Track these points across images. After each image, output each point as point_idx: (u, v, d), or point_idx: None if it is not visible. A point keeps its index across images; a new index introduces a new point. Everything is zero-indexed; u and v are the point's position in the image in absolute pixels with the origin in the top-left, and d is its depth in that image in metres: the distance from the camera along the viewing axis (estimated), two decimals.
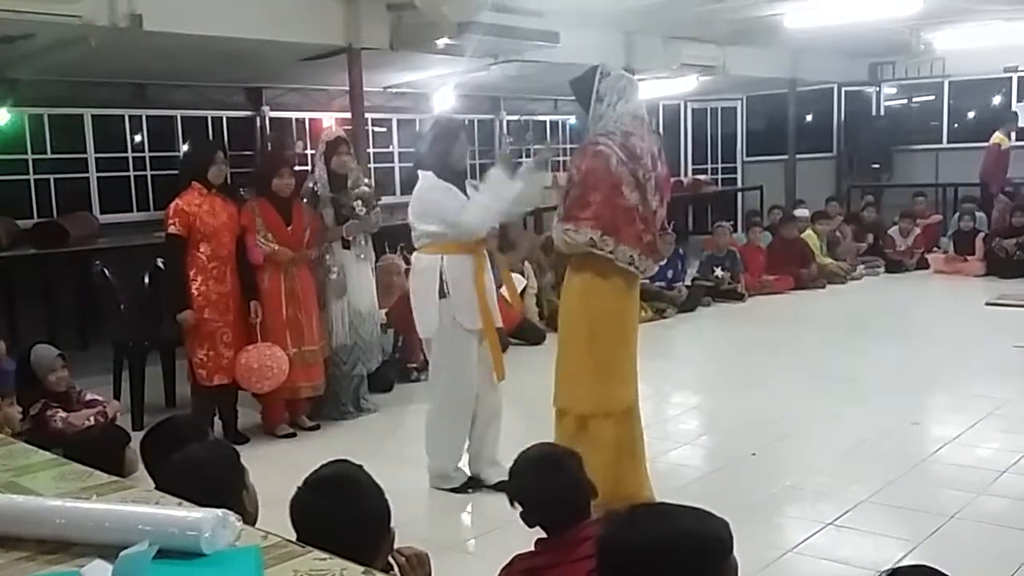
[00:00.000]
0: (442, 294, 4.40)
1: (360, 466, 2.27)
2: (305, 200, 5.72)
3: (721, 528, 1.76)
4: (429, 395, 4.72)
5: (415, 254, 4.63)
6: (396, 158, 12.32)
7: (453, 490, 4.54)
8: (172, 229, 5.28)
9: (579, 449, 2.87)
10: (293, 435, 5.59)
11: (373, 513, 2.17)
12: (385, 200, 7.05)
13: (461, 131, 4.80)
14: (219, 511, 1.52)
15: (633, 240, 3.84)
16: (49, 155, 9.14)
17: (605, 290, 3.92)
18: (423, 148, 4.81)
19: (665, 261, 9.37)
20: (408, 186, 12.58)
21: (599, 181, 3.81)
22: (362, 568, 1.46)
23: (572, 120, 13.57)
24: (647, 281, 9.16)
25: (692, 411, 6.17)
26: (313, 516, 2.11)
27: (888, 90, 14.87)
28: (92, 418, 4.76)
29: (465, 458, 4.65)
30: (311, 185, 5.80)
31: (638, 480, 4.01)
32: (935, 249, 11.81)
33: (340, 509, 2.12)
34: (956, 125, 14.22)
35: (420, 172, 4.57)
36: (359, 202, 5.67)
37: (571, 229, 3.85)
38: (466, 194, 4.50)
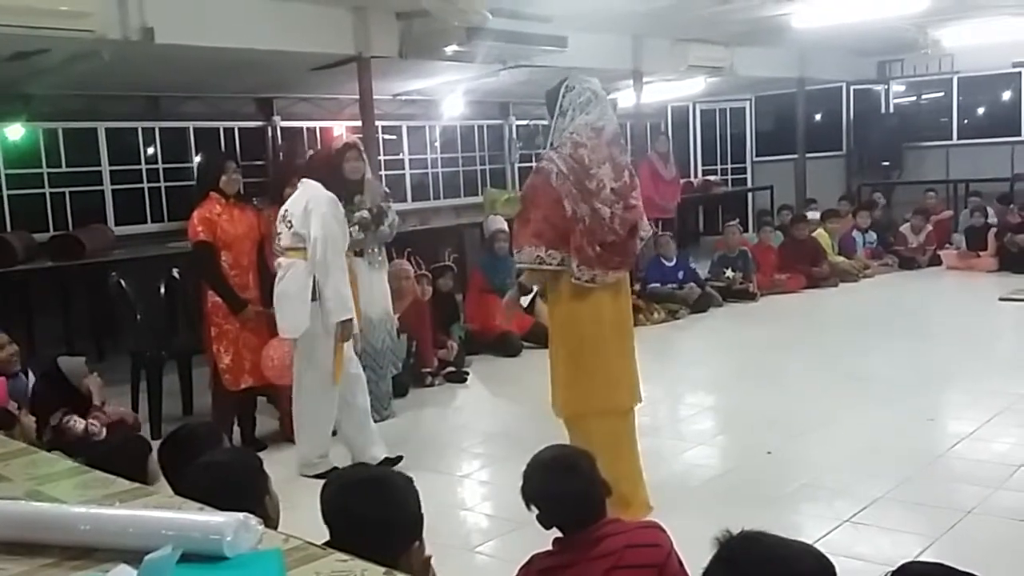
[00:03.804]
0: (314, 296, 4.73)
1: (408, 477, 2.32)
2: None
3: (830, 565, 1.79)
4: (296, 393, 4.95)
5: (280, 258, 4.89)
6: (407, 165, 12.37)
7: (318, 476, 4.63)
8: (202, 236, 5.31)
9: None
10: None
11: (406, 515, 2.21)
12: (395, 207, 7.06)
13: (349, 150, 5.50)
14: (240, 515, 1.55)
15: (572, 251, 3.88)
16: (64, 169, 9.20)
17: (564, 299, 4.00)
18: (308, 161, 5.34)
19: (674, 262, 9.43)
20: (418, 192, 12.74)
21: (539, 197, 3.91)
22: (383, 569, 1.49)
23: None
24: (658, 284, 9.28)
25: (707, 411, 6.17)
26: (348, 514, 2.16)
27: (897, 88, 14.83)
28: (105, 416, 4.83)
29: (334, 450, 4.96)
30: None
31: (632, 480, 4.05)
32: (947, 245, 11.79)
33: (376, 508, 2.16)
34: (966, 121, 14.18)
35: (304, 180, 4.96)
36: (356, 228, 5.68)
37: (517, 252, 3.99)
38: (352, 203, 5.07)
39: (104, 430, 4.78)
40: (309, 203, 4.79)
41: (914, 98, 14.88)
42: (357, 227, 5.68)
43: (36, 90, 8.08)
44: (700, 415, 6.03)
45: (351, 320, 4.79)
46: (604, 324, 4.03)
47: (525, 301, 4.59)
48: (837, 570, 1.74)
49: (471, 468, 5.11)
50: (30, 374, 5.24)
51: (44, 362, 5.13)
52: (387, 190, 6.36)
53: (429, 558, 2.26)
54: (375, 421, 5.88)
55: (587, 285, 3.92)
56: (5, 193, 8.80)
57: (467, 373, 7.15)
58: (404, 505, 2.22)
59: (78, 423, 4.71)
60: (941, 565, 1.65)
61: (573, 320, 4.02)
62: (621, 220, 3.92)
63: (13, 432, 4.22)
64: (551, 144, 4.03)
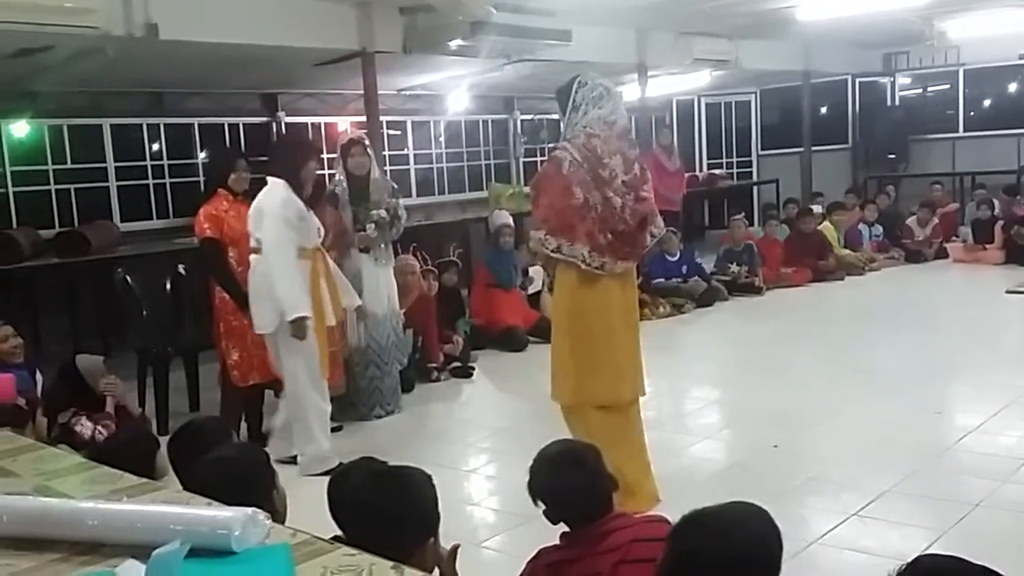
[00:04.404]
0: None
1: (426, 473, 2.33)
2: (327, 202, 5.77)
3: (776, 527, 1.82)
4: (289, 387, 4.92)
5: (252, 255, 4.89)
6: (411, 160, 12.37)
7: (327, 473, 4.61)
8: (208, 233, 5.33)
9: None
10: None
11: (418, 510, 2.21)
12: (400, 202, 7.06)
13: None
14: (248, 509, 1.55)
15: (584, 238, 3.95)
16: (69, 165, 9.20)
17: (572, 287, 4.06)
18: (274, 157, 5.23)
19: (677, 256, 9.43)
20: (423, 187, 12.72)
21: (549, 184, 4.02)
22: (391, 563, 1.49)
23: None
24: (661, 280, 9.27)
25: (713, 405, 6.16)
26: (358, 506, 2.18)
27: (903, 80, 14.77)
28: (112, 420, 4.83)
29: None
30: (333, 187, 5.86)
31: (637, 471, 4.08)
32: (954, 238, 11.75)
33: (387, 501, 2.17)
34: (972, 113, 14.12)
35: (270, 179, 4.90)
36: (372, 226, 5.70)
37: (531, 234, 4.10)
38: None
39: (98, 431, 4.76)
40: (263, 204, 4.81)
41: (920, 90, 14.83)
42: (374, 226, 5.70)
43: (41, 87, 8.08)
44: (706, 409, 6.03)
45: (304, 318, 4.72)
46: (613, 313, 4.09)
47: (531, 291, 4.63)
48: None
49: (477, 463, 5.11)
50: (38, 372, 5.24)
51: (61, 359, 5.12)
52: (395, 185, 6.36)
53: (456, 548, 2.27)
54: (381, 416, 5.94)
55: (596, 272, 3.98)
56: (11, 190, 8.81)
57: (473, 368, 7.15)
58: (417, 500, 2.21)
59: (86, 427, 4.71)
60: (955, 558, 1.64)
61: (581, 309, 4.06)
62: (632, 211, 4.00)
63: (24, 430, 4.22)
64: (564, 137, 4.10)
